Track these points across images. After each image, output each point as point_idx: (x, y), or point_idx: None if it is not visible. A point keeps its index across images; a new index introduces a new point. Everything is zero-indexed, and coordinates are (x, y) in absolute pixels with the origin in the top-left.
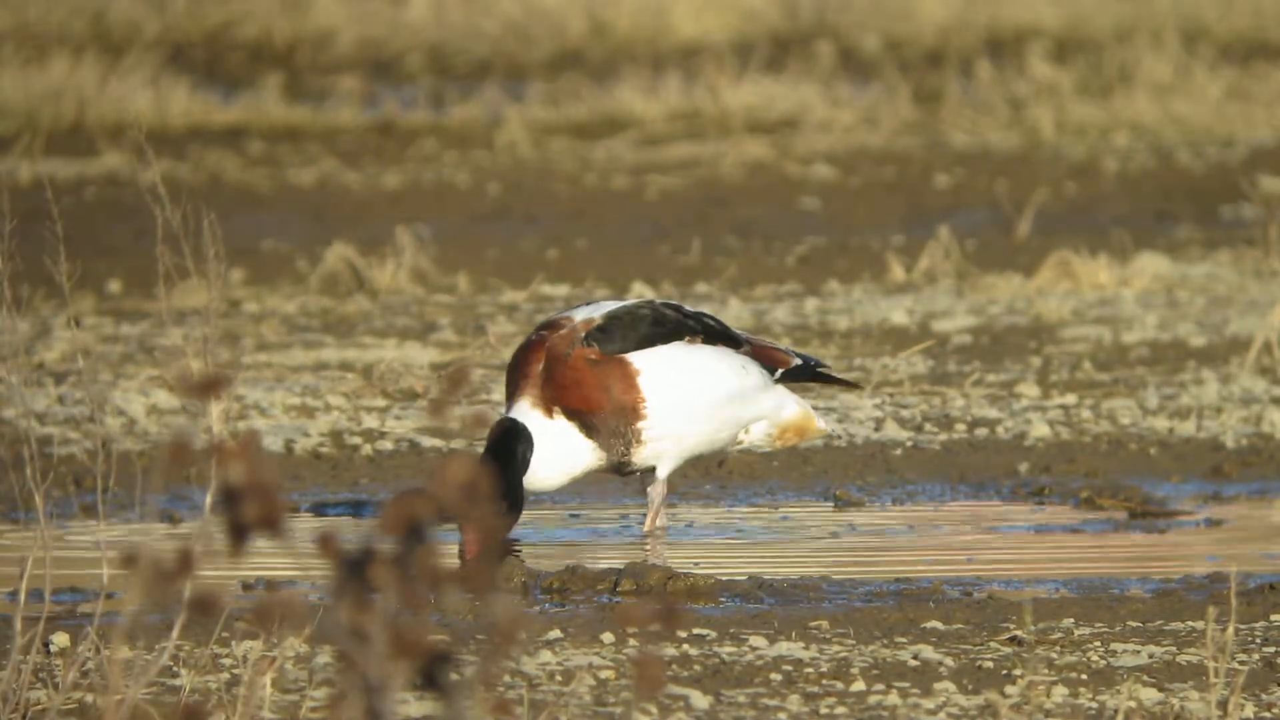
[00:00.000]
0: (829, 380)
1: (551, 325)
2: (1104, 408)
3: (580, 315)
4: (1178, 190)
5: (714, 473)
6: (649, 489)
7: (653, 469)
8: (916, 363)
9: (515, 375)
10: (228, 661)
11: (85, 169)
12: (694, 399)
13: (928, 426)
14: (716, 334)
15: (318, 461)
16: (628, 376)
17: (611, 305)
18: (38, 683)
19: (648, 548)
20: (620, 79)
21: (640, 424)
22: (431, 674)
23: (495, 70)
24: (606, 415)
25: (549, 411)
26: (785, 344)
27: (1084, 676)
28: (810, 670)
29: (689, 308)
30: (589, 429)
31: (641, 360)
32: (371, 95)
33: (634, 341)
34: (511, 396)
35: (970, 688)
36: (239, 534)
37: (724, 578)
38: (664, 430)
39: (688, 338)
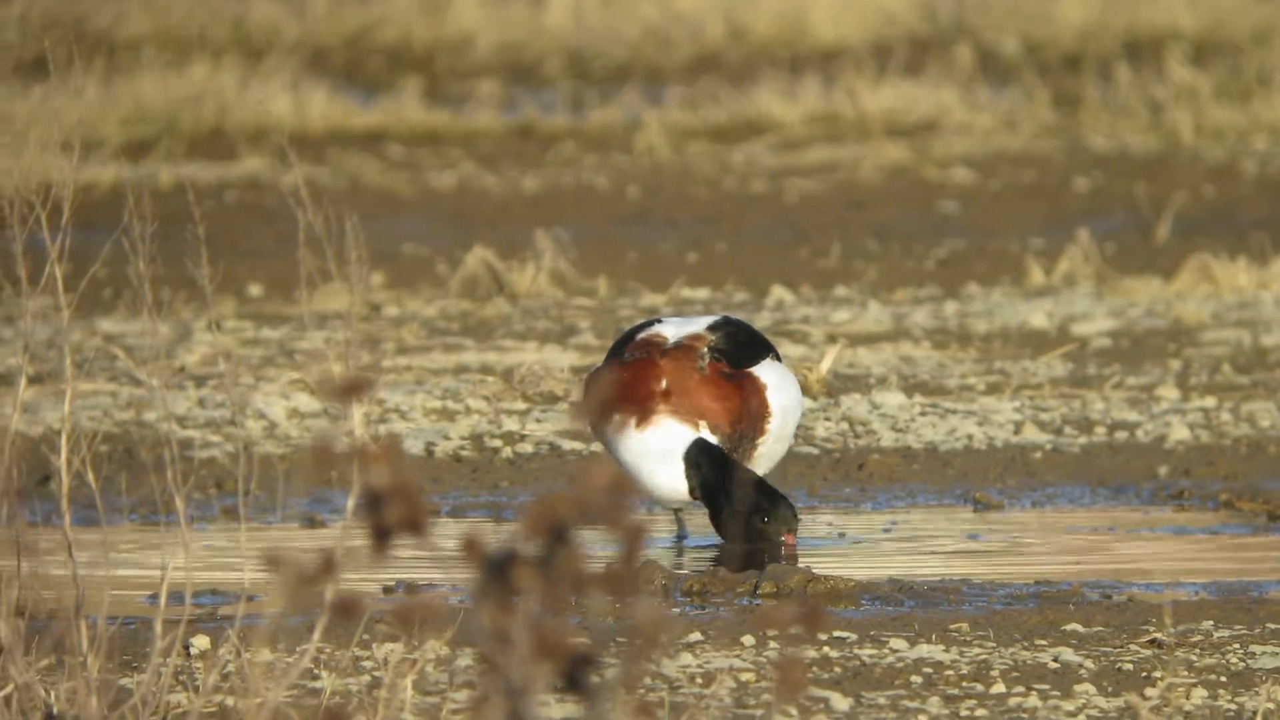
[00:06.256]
0: None
1: (646, 344)
2: (1244, 410)
3: (671, 331)
4: None
5: (854, 476)
6: None
7: None
8: (1056, 365)
9: (634, 396)
10: (369, 664)
11: (226, 173)
12: (793, 414)
13: (1067, 429)
14: (776, 353)
15: (458, 464)
16: (758, 391)
17: (692, 321)
18: (178, 686)
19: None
20: (759, 82)
21: (759, 439)
22: (573, 676)
23: (634, 74)
24: (742, 428)
25: (695, 426)
26: (925, 347)
27: (1223, 678)
28: (950, 672)
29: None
30: (725, 442)
31: (765, 375)
32: (511, 99)
33: (748, 358)
34: (639, 417)
35: (1110, 690)
36: (381, 537)
37: (864, 580)
38: (771, 445)
39: (770, 355)
